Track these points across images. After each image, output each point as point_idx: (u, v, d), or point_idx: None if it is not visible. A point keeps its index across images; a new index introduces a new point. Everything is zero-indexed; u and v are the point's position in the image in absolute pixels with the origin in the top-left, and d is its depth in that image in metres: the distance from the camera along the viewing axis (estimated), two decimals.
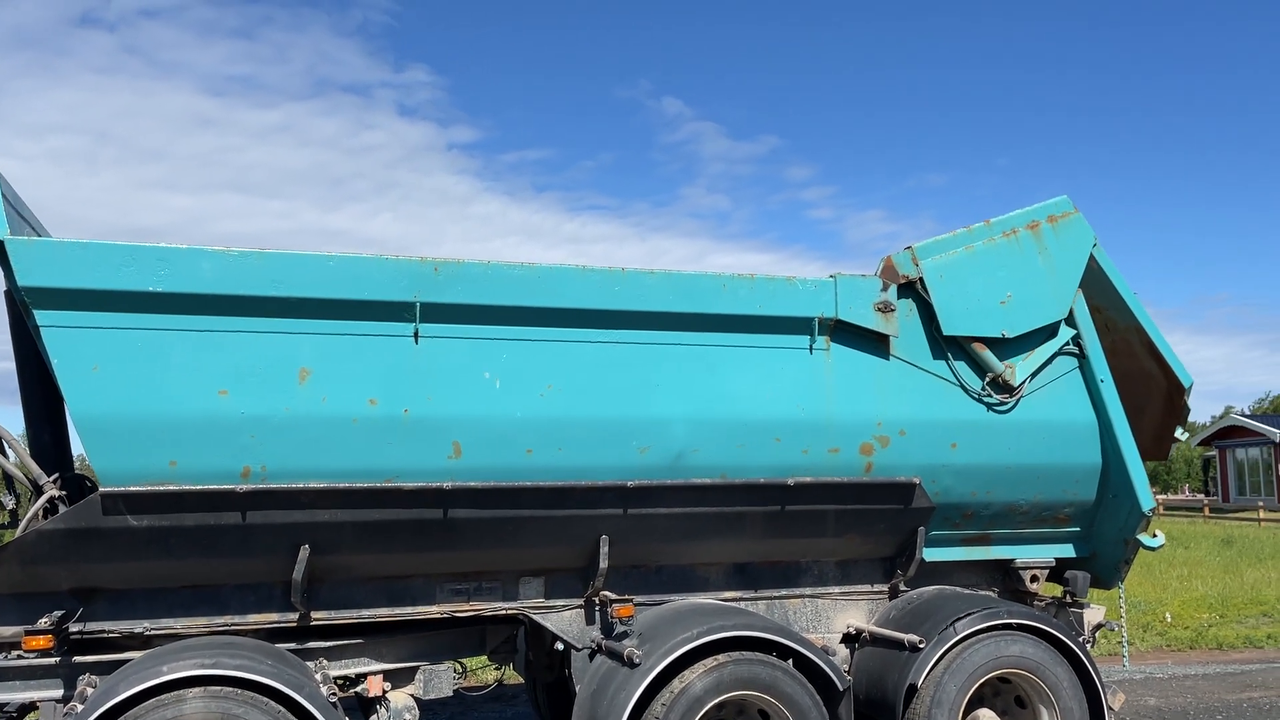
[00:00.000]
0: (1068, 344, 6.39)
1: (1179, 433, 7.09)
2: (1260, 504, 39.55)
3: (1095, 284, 6.63)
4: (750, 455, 5.70)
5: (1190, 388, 6.88)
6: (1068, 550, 6.72)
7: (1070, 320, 6.40)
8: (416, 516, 5.12)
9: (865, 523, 6.09)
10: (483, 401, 5.16)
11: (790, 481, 5.73)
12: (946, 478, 6.11)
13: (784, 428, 5.74)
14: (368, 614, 5.39)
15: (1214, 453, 52.01)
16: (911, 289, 6.08)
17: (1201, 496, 51.87)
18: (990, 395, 6.15)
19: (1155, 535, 6.46)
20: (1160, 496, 57.01)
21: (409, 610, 5.46)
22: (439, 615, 5.51)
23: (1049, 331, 6.34)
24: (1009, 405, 6.20)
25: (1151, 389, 7.03)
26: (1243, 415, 50.91)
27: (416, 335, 5.08)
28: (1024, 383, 6.21)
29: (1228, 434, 49.45)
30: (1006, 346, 6.24)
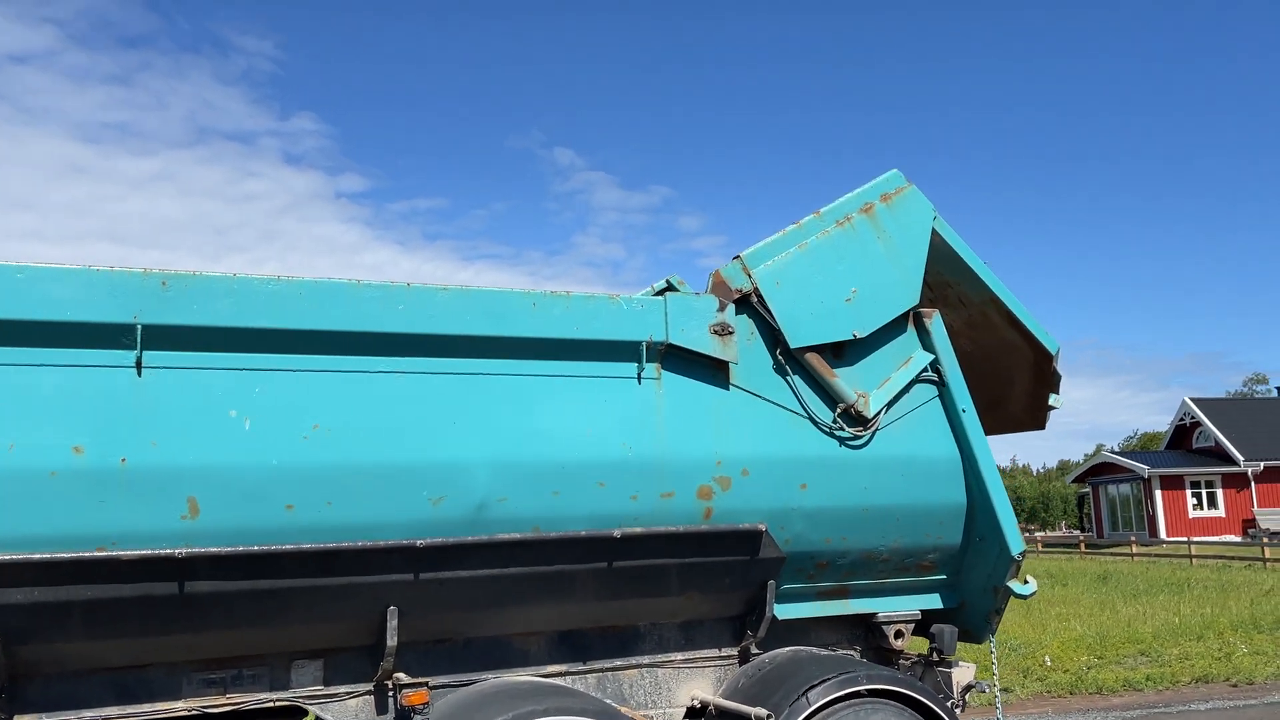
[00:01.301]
0: (926, 370, 5.77)
1: (1053, 400, 6.56)
2: (1133, 538, 40.44)
3: (943, 259, 6.05)
4: (569, 504, 4.86)
5: (1058, 353, 6.35)
6: (934, 601, 6.05)
7: (927, 344, 5.79)
8: (143, 592, 4.13)
9: (708, 578, 5.31)
10: (226, 447, 4.22)
11: (617, 533, 4.91)
12: (797, 523, 5.38)
13: (609, 470, 4.94)
14: (90, 715, 4.34)
15: (1088, 489, 53.34)
16: (749, 305, 5.38)
17: (1077, 533, 53.04)
18: (842, 428, 5.47)
19: (1027, 582, 5.83)
20: (1040, 534, 58.24)
21: (147, 708, 4.43)
22: (186, 713, 4.49)
23: (901, 344, 5.72)
24: (863, 439, 5.53)
25: (1018, 359, 6.50)
26: (1112, 453, 52.38)
27: (139, 365, 4.13)
28: (879, 414, 5.56)
29: (1100, 471, 50.79)
30: (859, 371, 5.59)
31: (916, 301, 5.71)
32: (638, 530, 4.97)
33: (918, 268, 5.75)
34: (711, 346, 5.18)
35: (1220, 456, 46.67)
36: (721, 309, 5.23)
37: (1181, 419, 50.14)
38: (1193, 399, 49.45)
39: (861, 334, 5.50)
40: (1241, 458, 45.38)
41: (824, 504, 5.43)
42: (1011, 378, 6.57)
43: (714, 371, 5.26)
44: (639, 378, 5.08)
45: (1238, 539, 43.16)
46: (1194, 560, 32.92)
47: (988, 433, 7.11)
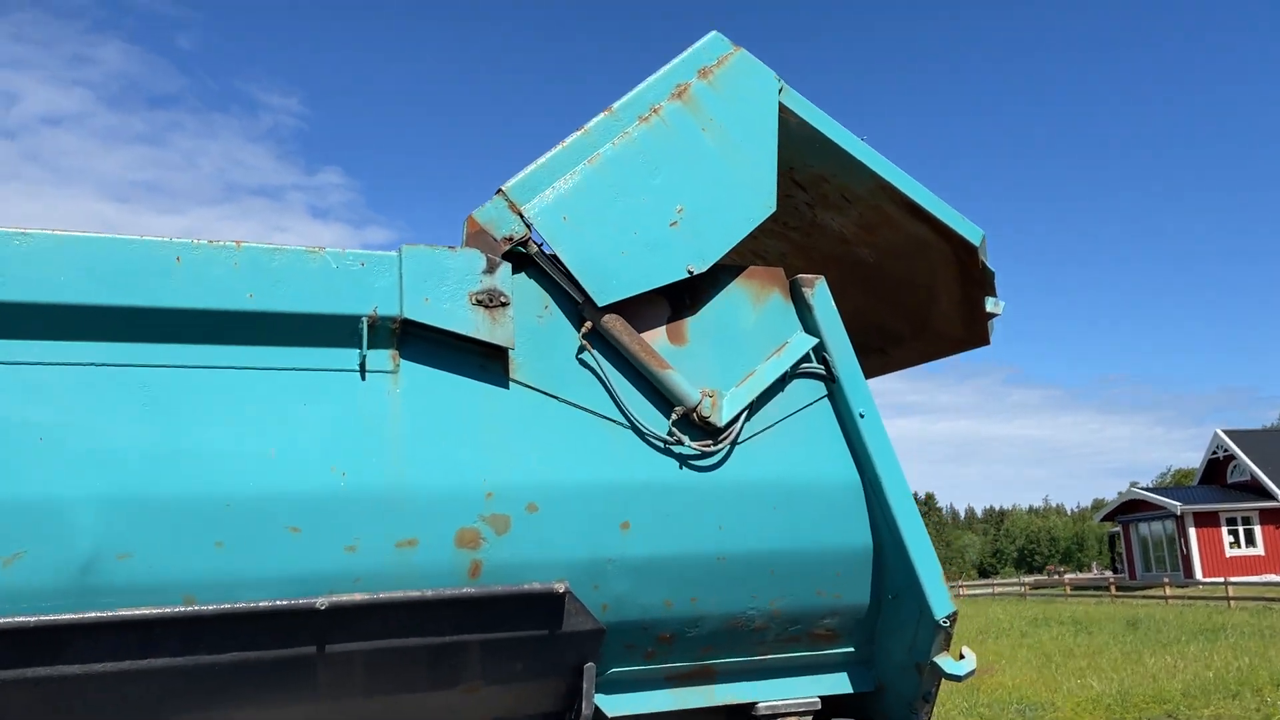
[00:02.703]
0: (807, 360, 4.13)
1: (991, 304, 4.88)
2: (1166, 580, 38.08)
3: (804, 145, 4.42)
4: (242, 560, 3.25)
5: (982, 242, 4.70)
6: (839, 684, 4.35)
7: (809, 323, 4.16)
8: None
9: (488, 663, 3.66)
10: None
11: (321, 603, 3.29)
12: (618, 579, 3.74)
13: (309, 508, 3.33)
14: None
15: (1118, 529, 50.93)
16: (532, 262, 3.78)
17: (1109, 574, 50.54)
18: (682, 442, 3.83)
19: (963, 656, 4.14)
20: (1068, 575, 55.63)
21: None
22: None
23: (770, 323, 4.09)
24: (714, 457, 3.89)
25: (935, 261, 4.87)
26: (1142, 489, 49.94)
27: None
28: (737, 421, 3.92)
29: (1131, 509, 48.42)
30: (707, 361, 3.96)
31: (773, 208, 4.07)
32: (357, 598, 3.34)
33: (767, 161, 4.11)
34: (475, 324, 3.57)
35: (1257, 491, 44.20)
36: (490, 270, 3.63)
37: (1214, 452, 47.72)
38: (1225, 431, 47.03)
39: (699, 267, 3.88)
40: None
41: (658, 551, 3.78)
42: (933, 286, 4.98)
43: (484, 361, 3.65)
44: (362, 370, 3.48)
45: (1279, 579, 40.65)
46: (1232, 602, 30.66)
47: (920, 361, 5.47)
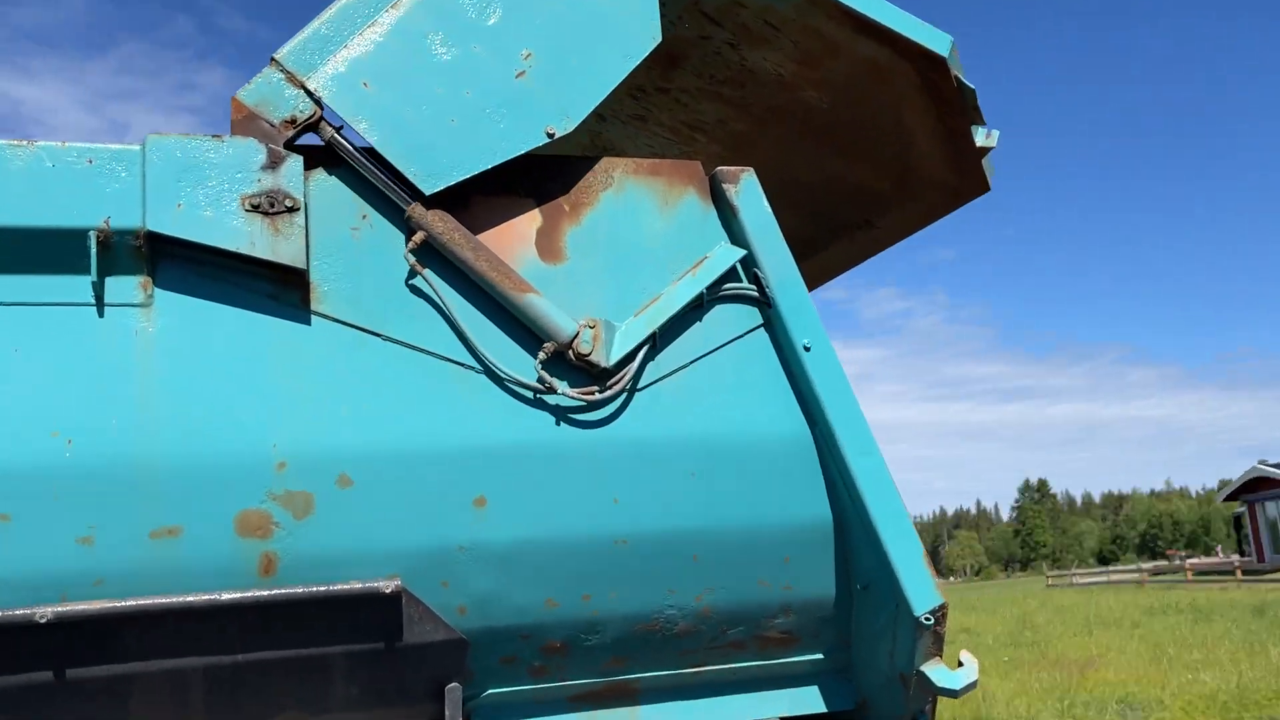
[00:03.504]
0: (732, 277, 3.12)
1: (981, 136, 3.78)
2: None
3: None
4: None
5: (953, 52, 3.54)
6: (808, 700, 3.32)
7: (735, 230, 3.15)
8: None
9: (303, 690, 2.76)
10: None
11: (45, 614, 2.44)
12: (476, 573, 2.81)
13: (20, 488, 2.48)
14: None
15: (1243, 508, 47.83)
16: (337, 160, 2.85)
17: (1235, 558, 47.46)
18: (554, 389, 2.87)
19: (961, 665, 3.09)
20: (1190, 560, 52.51)
21: None
22: None
23: (681, 231, 3.10)
24: (604, 409, 2.92)
25: (898, 88, 3.76)
26: (1270, 465, 46.68)
27: None
28: (634, 359, 2.94)
29: (1256, 487, 45.36)
30: (594, 285, 3.00)
31: (658, 38, 3.06)
32: (95, 607, 2.48)
33: None
34: (249, 237, 2.67)
35: None
36: (272, 165, 2.72)
37: None
38: None
39: (563, 127, 2.90)
40: None
41: (529, 535, 2.84)
42: (903, 122, 3.89)
43: (276, 289, 2.76)
44: (99, 304, 2.62)
45: None
46: None
47: (915, 227, 4.43)
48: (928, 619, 2.93)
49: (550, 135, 2.86)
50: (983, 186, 4.02)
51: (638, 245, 3.05)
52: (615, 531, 2.91)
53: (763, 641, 3.21)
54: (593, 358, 2.85)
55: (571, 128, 2.90)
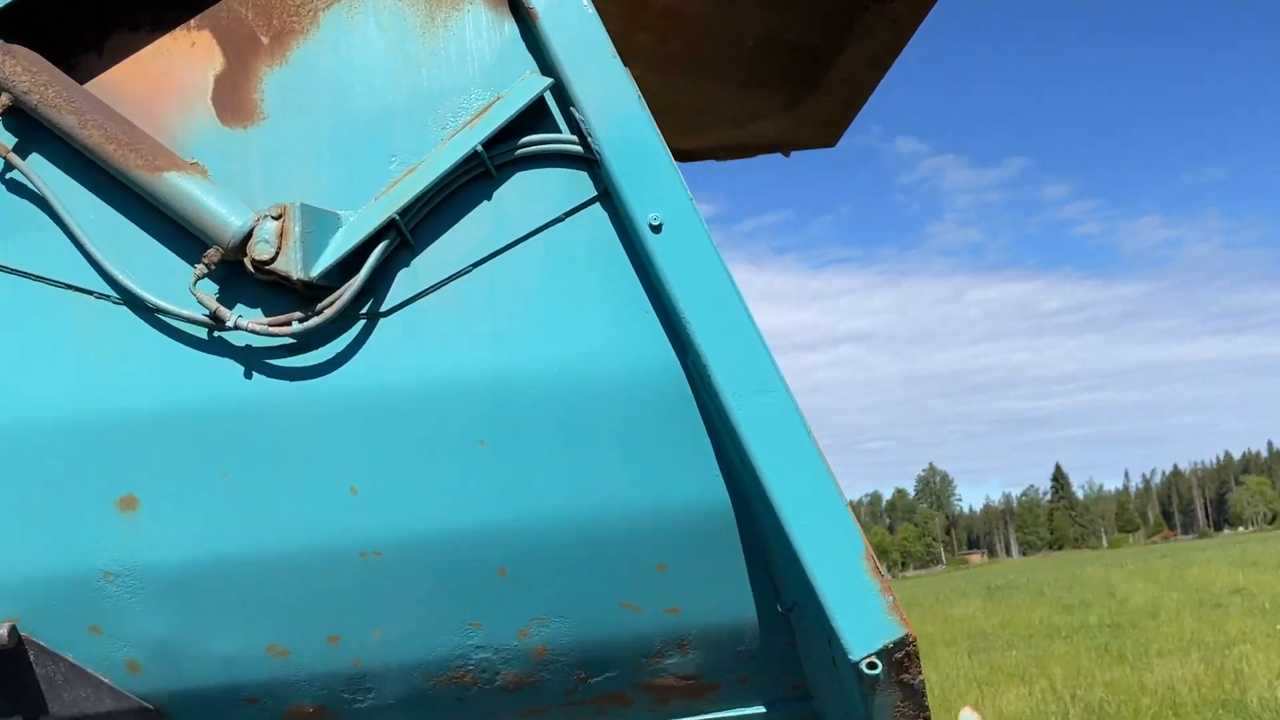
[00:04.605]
0: (539, 125, 1.94)
1: None
2: None
3: None
4: None
5: None
6: None
7: (543, 55, 1.94)
8: None
9: None
10: None
11: None
12: (139, 610, 1.84)
13: None
14: None
15: None
16: None
17: None
18: (220, 323, 1.82)
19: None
20: None
21: None
22: None
23: (459, 70, 1.95)
24: (318, 349, 1.85)
25: None
26: None
27: None
28: (360, 269, 1.84)
29: None
30: (302, 156, 1.91)
31: None
32: None
33: None
34: None
35: None
36: None
37: None
38: None
39: None
40: None
41: (212, 547, 1.83)
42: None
43: None
44: None
45: None
46: None
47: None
48: (872, 665, 1.71)
49: None
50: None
51: (384, 89, 1.94)
52: (357, 538, 1.86)
53: (657, 692, 2.07)
54: (278, 266, 1.77)
55: None
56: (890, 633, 1.73)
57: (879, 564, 1.78)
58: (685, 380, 1.88)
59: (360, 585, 1.88)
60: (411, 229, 1.87)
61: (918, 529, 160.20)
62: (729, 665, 2.05)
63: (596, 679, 2.03)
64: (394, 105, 1.93)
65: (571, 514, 1.88)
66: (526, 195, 1.93)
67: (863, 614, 1.73)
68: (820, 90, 3.66)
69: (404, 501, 1.85)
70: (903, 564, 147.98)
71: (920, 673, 1.78)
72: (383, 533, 1.86)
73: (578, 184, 1.93)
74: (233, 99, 1.91)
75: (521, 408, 1.87)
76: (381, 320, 1.87)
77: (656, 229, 1.84)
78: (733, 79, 3.59)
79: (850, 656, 1.71)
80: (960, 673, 12.11)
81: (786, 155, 4.63)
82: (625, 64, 1.90)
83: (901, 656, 1.73)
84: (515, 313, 1.89)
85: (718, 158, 4.67)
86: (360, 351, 1.86)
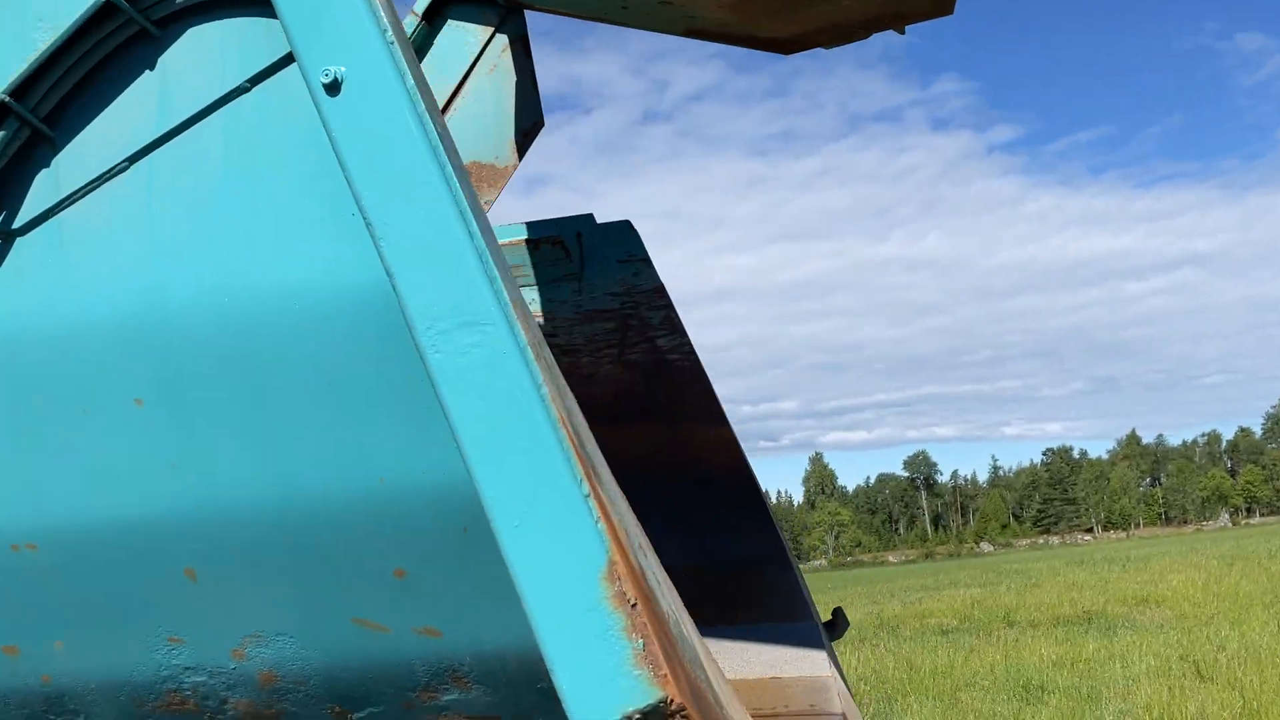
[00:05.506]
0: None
1: None
2: None
3: None
4: None
5: None
6: None
7: None
8: None
9: None
10: None
11: None
12: None
13: None
14: None
15: None
16: None
17: None
18: None
19: None
20: None
21: None
22: None
23: None
24: None
25: None
26: None
27: None
28: None
29: None
30: None
31: None
32: None
33: None
34: None
35: None
36: None
37: None
38: None
39: None
40: None
41: None
42: None
43: None
44: None
45: None
46: None
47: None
48: None
49: None
50: None
51: None
52: (2, 526, 1.42)
53: None
54: None
55: None
56: (633, 697, 1.09)
57: (642, 583, 1.15)
58: (380, 312, 1.30)
59: (17, 584, 1.45)
60: (45, 115, 1.38)
61: (1264, 472, 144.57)
62: (533, 704, 1.47)
63: (360, 715, 1.51)
64: None
65: (261, 496, 1.36)
66: (200, 60, 1.39)
67: (593, 665, 1.11)
68: None
69: (48, 482, 1.40)
70: (1248, 509, 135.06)
71: None
72: (30, 521, 1.42)
73: (270, 38, 1.38)
74: None
75: (189, 354, 1.35)
76: (17, 241, 1.41)
77: (332, 89, 1.26)
78: None
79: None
80: None
81: (901, 32, 3.82)
82: None
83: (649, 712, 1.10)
84: (182, 223, 1.37)
85: (822, 43, 3.93)
86: None
